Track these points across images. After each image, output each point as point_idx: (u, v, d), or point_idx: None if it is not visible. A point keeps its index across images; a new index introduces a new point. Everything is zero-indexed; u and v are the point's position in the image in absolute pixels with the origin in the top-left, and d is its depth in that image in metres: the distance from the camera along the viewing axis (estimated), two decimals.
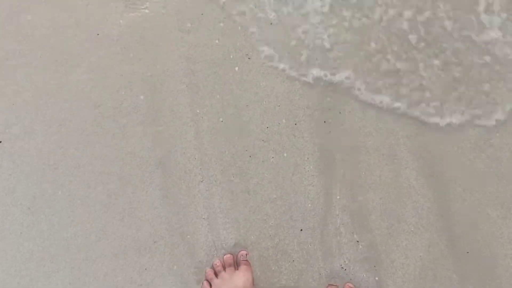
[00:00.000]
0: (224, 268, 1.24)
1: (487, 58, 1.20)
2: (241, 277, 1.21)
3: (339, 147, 1.27)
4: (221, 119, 1.29)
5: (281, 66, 1.26)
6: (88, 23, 1.35)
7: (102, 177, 1.30)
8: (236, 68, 1.28)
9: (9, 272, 1.24)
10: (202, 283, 1.24)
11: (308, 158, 1.27)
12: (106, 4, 1.36)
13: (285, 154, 1.28)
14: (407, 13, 1.20)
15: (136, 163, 1.30)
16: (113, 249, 1.26)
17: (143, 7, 1.34)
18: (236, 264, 1.25)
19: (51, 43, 1.35)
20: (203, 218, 1.28)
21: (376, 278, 1.22)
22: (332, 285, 1.22)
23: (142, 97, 1.31)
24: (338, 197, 1.26)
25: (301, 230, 1.26)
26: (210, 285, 1.22)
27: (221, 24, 1.32)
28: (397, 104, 1.22)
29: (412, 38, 1.21)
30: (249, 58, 1.27)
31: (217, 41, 1.30)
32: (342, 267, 1.24)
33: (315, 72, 1.25)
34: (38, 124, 1.32)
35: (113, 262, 1.26)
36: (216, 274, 1.23)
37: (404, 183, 1.24)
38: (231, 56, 1.30)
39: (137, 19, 1.35)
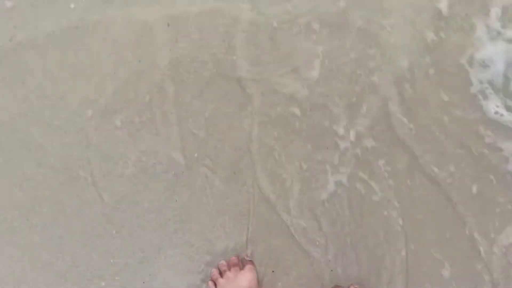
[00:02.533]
0: (229, 268, 1.25)
1: None
2: (246, 276, 1.22)
3: None
4: None
5: None
6: None
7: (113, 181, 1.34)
8: None
9: None
10: (207, 283, 1.25)
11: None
12: None
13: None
14: None
15: (150, 166, 1.33)
16: (121, 249, 1.31)
17: None
18: (241, 264, 1.26)
19: None
20: (209, 218, 1.29)
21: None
22: (338, 286, 1.20)
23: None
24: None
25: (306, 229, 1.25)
26: (215, 284, 1.24)
27: None
28: None
29: None
30: None
31: None
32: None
33: None
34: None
35: (120, 261, 1.30)
36: (221, 274, 1.25)
37: None
38: None
39: None
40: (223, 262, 1.26)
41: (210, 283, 1.25)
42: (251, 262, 1.25)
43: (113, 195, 1.32)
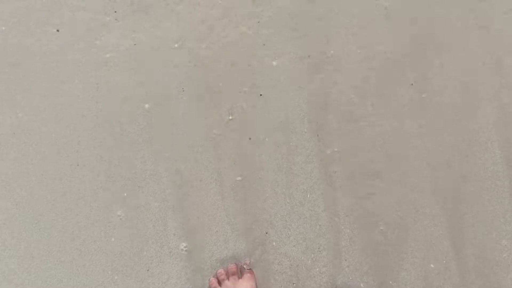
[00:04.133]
0: (227, 276, 1.24)
1: None
2: (244, 285, 1.22)
3: None
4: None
5: None
6: None
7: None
8: None
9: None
10: None
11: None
12: None
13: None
14: None
15: (151, 174, 1.32)
16: (123, 256, 1.28)
17: None
18: (239, 273, 1.26)
19: None
20: (209, 227, 1.29)
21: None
22: None
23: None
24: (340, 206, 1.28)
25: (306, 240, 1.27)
26: None
27: None
28: None
29: None
30: None
31: None
32: (348, 274, 1.25)
33: None
34: None
35: (125, 269, 1.27)
36: (219, 283, 1.24)
37: None
38: None
39: None
40: (221, 270, 1.25)
41: None
42: (250, 270, 1.25)
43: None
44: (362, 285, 1.24)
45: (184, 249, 1.27)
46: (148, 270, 1.27)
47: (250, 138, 1.31)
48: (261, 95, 1.32)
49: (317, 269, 1.26)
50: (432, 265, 1.24)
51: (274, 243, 1.27)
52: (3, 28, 1.37)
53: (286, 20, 1.34)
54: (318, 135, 1.30)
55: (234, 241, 1.28)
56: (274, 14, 1.34)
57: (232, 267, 1.25)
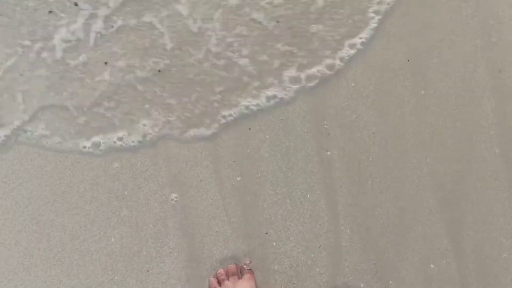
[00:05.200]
0: (227, 277, 1.24)
1: None
2: (244, 285, 1.22)
3: None
4: None
5: None
6: None
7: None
8: None
9: None
10: None
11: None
12: None
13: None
14: None
15: (147, 179, 1.32)
16: (127, 255, 1.28)
17: None
18: (239, 273, 1.26)
19: None
20: (209, 227, 1.29)
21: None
22: None
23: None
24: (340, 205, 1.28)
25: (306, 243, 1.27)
26: None
27: None
28: None
29: None
30: None
31: None
32: (346, 273, 1.25)
33: None
34: None
35: (125, 270, 1.27)
36: (219, 283, 1.24)
37: None
38: None
39: None
40: (221, 270, 1.25)
41: None
42: (250, 271, 1.25)
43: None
44: (362, 285, 1.24)
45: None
46: (148, 271, 1.27)
47: (250, 138, 1.31)
48: (261, 95, 1.32)
49: (317, 269, 1.26)
50: (432, 265, 1.24)
51: (274, 243, 1.28)
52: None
53: (286, 21, 1.34)
54: (318, 135, 1.30)
55: (234, 241, 1.28)
56: (274, 16, 1.34)
57: (232, 267, 1.25)
